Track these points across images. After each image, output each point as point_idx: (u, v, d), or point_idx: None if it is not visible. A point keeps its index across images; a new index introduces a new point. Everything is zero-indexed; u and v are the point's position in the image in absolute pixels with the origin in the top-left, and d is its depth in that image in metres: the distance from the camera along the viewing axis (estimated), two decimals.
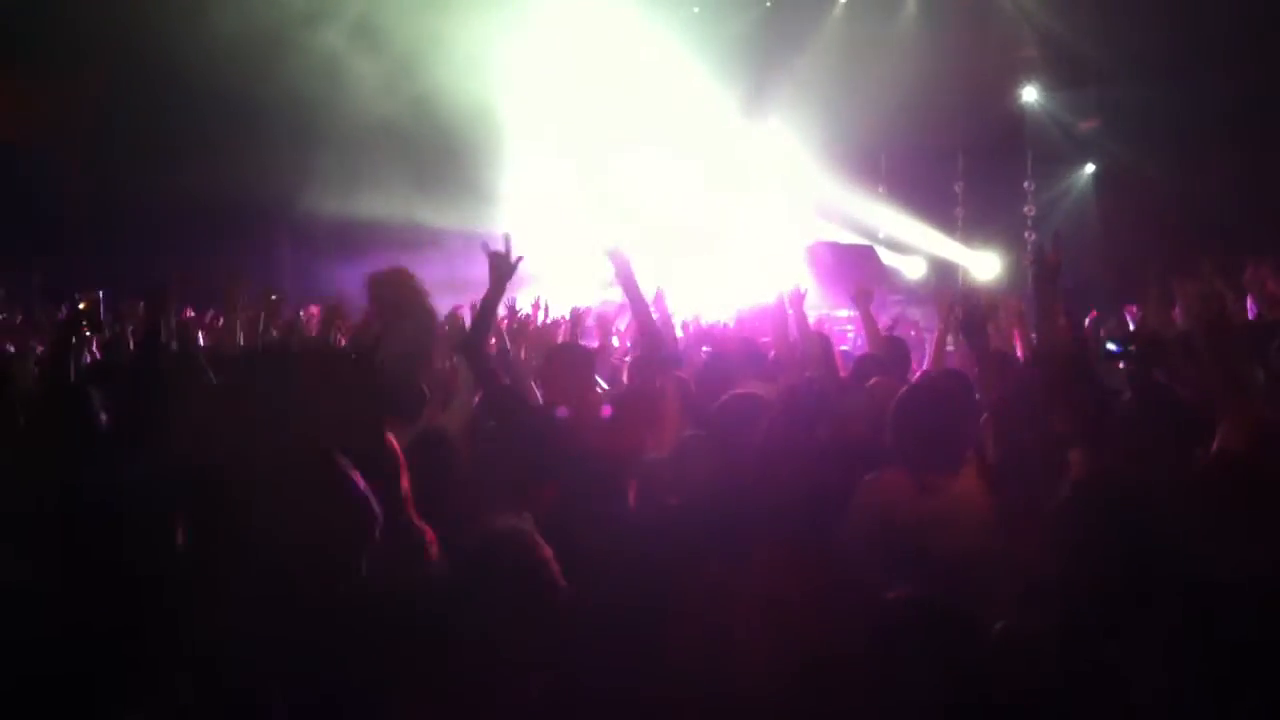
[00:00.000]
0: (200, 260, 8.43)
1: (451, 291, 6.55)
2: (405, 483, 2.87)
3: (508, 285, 3.91)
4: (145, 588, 2.34)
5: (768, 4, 16.01)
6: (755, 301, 7.64)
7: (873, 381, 4.28)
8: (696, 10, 15.53)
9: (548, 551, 2.31)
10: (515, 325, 6.00)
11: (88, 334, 4.30)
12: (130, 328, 5.47)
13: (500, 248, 3.83)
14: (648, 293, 4.33)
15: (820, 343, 4.75)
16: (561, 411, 3.77)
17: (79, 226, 11.24)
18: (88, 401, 3.27)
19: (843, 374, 4.99)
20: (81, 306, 3.88)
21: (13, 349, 5.81)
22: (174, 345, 4.47)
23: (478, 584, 2.24)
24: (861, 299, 6.02)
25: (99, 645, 2.23)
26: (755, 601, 2.59)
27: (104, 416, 3.29)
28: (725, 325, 7.85)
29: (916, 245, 15.38)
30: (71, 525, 2.44)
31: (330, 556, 2.40)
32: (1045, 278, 3.68)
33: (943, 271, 15.17)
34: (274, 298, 5.80)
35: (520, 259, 3.86)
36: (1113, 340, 4.32)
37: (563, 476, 3.33)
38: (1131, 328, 6.35)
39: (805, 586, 2.62)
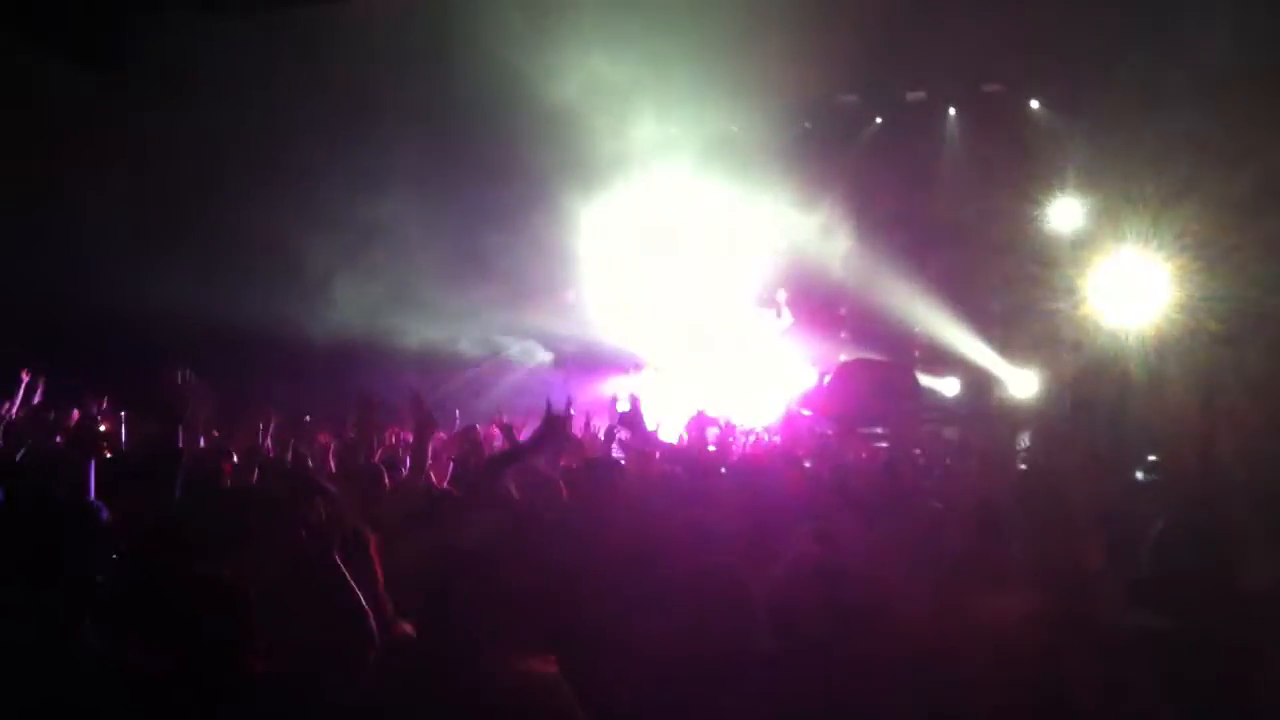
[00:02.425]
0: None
1: None
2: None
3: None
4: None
5: (807, 125, 16.30)
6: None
7: None
8: (736, 129, 15.77)
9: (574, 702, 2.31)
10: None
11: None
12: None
13: (563, 411, 3.82)
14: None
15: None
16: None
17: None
18: None
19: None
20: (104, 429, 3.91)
21: None
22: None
23: None
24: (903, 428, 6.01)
25: None
26: None
27: None
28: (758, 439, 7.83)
29: (953, 363, 15.22)
30: None
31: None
32: (1077, 412, 3.60)
33: (979, 390, 14.96)
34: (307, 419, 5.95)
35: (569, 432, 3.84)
36: (1141, 469, 4.22)
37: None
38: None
39: None
